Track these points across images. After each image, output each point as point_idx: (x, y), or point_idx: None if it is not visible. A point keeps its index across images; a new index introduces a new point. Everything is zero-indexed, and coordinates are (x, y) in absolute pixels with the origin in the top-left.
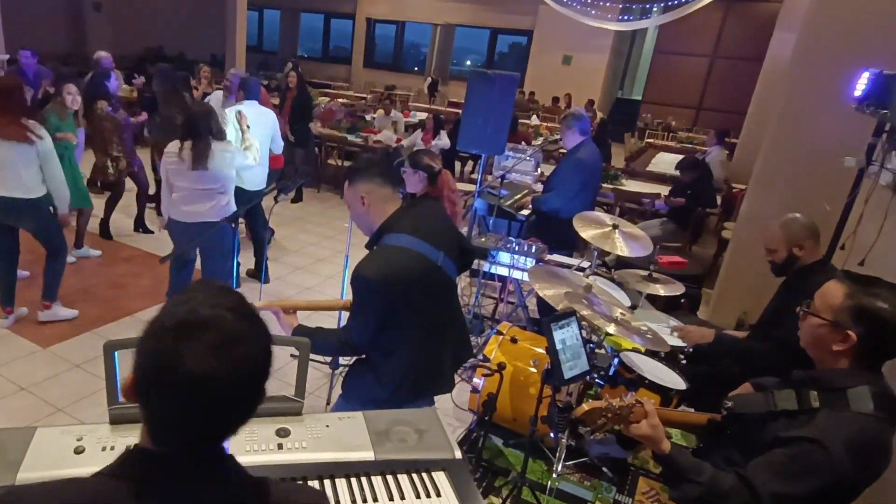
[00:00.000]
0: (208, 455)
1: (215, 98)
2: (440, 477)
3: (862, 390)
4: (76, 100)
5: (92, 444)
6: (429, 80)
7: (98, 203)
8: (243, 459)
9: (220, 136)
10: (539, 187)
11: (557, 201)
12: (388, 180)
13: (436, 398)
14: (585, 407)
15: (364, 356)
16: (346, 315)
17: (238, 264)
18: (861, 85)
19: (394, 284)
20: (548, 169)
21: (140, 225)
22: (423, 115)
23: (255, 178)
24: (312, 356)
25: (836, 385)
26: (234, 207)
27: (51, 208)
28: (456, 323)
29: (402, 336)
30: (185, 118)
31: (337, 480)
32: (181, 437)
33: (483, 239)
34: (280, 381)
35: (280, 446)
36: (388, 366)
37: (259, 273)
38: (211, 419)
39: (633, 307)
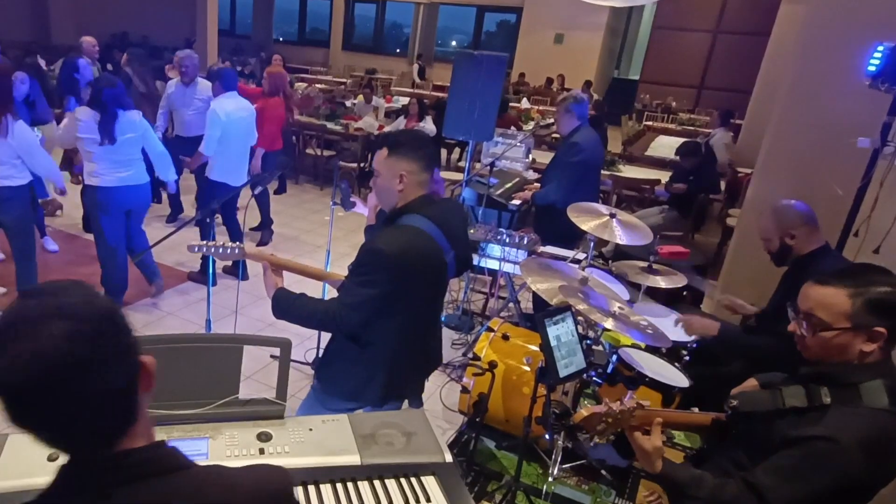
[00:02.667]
0: (115, 454)
1: (170, 85)
2: (430, 481)
3: (875, 384)
4: None
5: None
6: (416, 66)
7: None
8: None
9: (129, 106)
10: (531, 174)
11: (558, 193)
12: (429, 167)
13: (424, 399)
14: (584, 412)
15: (339, 344)
16: (330, 289)
17: (213, 261)
18: (875, 60)
19: (408, 266)
20: (539, 155)
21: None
22: (406, 101)
23: (239, 172)
24: (294, 357)
25: (848, 380)
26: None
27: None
28: (437, 328)
29: (386, 328)
30: (92, 89)
31: (322, 486)
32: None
33: (472, 230)
34: (260, 383)
35: (262, 451)
36: (361, 359)
37: (236, 269)
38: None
39: (632, 301)
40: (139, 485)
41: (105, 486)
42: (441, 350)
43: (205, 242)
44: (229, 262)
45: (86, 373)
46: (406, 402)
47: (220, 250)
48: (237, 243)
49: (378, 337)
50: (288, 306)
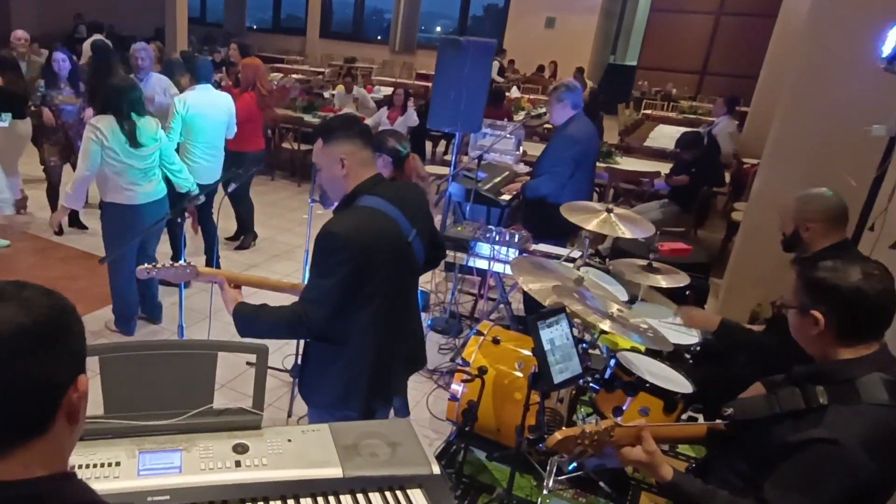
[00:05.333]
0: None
1: None
2: (416, 495)
3: (873, 378)
4: None
5: None
6: (497, 63)
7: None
8: (198, 479)
9: (143, 111)
10: (521, 168)
11: (550, 185)
12: (368, 143)
13: (410, 407)
14: (558, 436)
15: (315, 351)
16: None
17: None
18: (890, 42)
19: (365, 245)
20: (531, 147)
21: (75, 220)
22: (388, 91)
23: (208, 170)
24: (271, 364)
25: (843, 376)
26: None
27: None
28: (415, 319)
29: (360, 321)
30: (105, 91)
31: (302, 500)
32: None
33: (459, 228)
34: (236, 391)
35: (238, 464)
36: (340, 358)
37: None
38: None
39: (631, 301)
40: None
41: None
42: (424, 349)
43: (153, 265)
44: (203, 263)
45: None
46: (392, 411)
47: (172, 271)
48: (189, 262)
49: (353, 332)
50: (252, 321)
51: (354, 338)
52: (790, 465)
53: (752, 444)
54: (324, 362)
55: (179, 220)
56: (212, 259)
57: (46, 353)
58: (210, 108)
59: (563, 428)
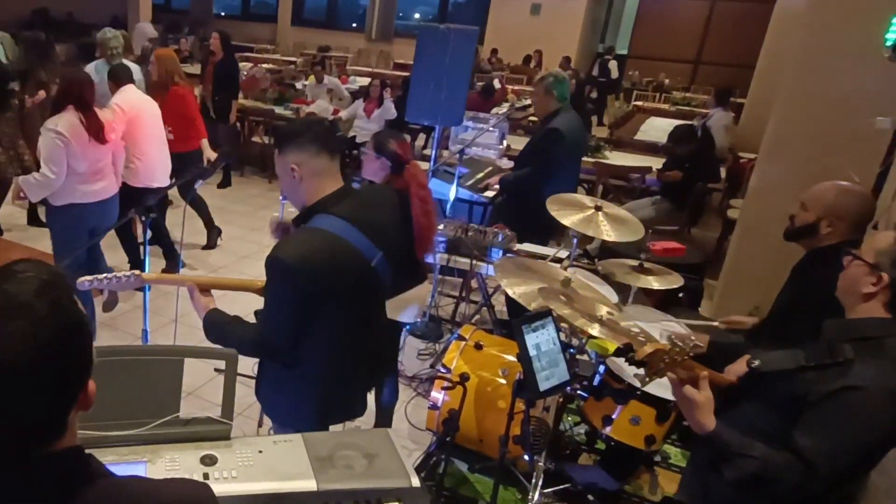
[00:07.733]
0: (39, 458)
1: (91, 68)
2: None
3: None
4: None
5: None
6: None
7: None
8: None
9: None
10: (505, 162)
11: (531, 180)
12: (323, 149)
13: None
14: (648, 348)
15: (263, 367)
16: None
17: (148, 263)
18: (894, 29)
19: (315, 275)
20: (514, 141)
21: (34, 217)
22: (364, 81)
23: (159, 173)
24: (240, 371)
25: (871, 333)
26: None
27: None
28: (377, 340)
29: (312, 347)
30: (63, 84)
31: None
32: None
33: (440, 227)
34: (204, 400)
35: (206, 476)
36: (291, 379)
37: (174, 271)
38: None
39: (621, 304)
40: (71, 489)
41: (32, 486)
42: (391, 358)
43: (94, 276)
44: (164, 267)
45: (34, 380)
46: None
47: (115, 281)
48: (132, 271)
49: (304, 355)
50: (219, 334)
51: (307, 361)
52: (819, 413)
53: (770, 398)
54: (276, 381)
55: (143, 219)
56: (176, 263)
57: (87, 342)
58: (148, 107)
59: (653, 342)
